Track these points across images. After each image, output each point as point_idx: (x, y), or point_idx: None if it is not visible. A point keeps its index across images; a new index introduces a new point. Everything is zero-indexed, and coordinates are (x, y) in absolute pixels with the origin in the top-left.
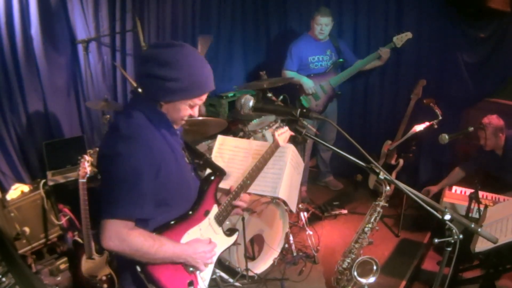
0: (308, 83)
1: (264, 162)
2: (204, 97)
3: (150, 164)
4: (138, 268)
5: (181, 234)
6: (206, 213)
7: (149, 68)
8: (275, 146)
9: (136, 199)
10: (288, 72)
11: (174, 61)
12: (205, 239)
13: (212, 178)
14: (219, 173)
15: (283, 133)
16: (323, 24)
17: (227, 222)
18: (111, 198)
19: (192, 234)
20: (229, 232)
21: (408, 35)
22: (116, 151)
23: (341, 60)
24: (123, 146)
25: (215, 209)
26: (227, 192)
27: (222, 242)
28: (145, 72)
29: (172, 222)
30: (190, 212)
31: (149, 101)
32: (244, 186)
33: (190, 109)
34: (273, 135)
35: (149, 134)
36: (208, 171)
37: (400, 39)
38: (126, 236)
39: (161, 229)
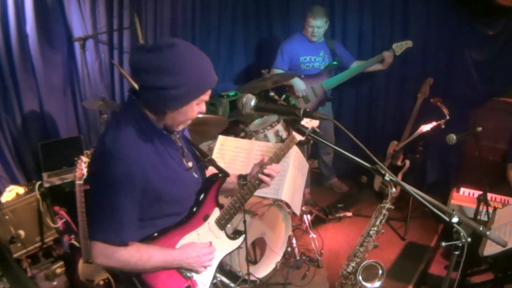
0: (299, 85)
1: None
2: (209, 91)
3: (131, 184)
4: (134, 278)
5: (176, 240)
6: (206, 217)
7: (147, 79)
8: (291, 140)
9: (114, 226)
10: (277, 71)
11: (171, 65)
12: (203, 243)
13: (214, 180)
14: (222, 175)
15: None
16: (315, 27)
17: (228, 225)
18: (93, 219)
19: (188, 239)
20: (234, 235)
21: (408, 43)
22: (98, 168)
23: (335, 63)
24: (104, 165)
25: (216, 213)
26: (228, 194)
27: (225, 246)
28: (143, 84)
29: (166, 229)
30: (186, 217)
31: (142, 110)
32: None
33: (197, 106)
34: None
35: (135, 150)
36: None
37: (400, 46)
38: (111, 254)
39: (156, 236)
